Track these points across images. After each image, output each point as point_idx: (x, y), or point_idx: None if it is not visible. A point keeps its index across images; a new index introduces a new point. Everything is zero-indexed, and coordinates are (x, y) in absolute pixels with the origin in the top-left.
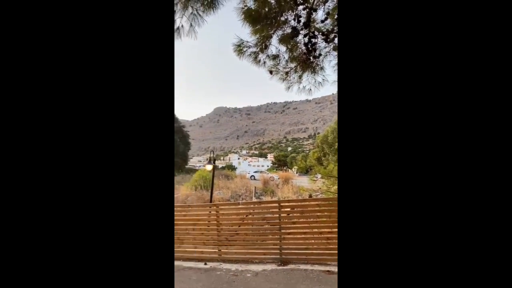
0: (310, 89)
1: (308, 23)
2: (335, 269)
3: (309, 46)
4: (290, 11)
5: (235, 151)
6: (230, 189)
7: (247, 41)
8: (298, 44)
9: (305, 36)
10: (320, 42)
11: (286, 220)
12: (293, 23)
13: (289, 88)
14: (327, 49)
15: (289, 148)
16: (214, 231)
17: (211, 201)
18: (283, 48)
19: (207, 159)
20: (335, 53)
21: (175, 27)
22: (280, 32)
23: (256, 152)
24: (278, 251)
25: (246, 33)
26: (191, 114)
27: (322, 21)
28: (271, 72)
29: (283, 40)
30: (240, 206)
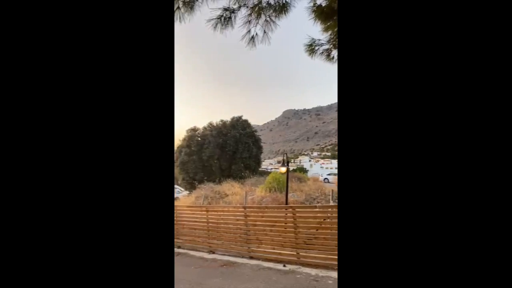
0: None
1: None
2: None
3: None
4: None
5: (306, 153)
6: (303, 191)
7: (319, 39)
8: None
9: None
10: None
11: None
12: None
13: None
14: None
15: None
16: (291, 233)
17: (286, 203)
18: None
19: (278, 162)
20: None
21: (250, 36)
22: None
23: (329, 153)
24: None
25: (314, 32)
26: (261, 119)
27: None
28: None
29: None
30: (317, 210)
